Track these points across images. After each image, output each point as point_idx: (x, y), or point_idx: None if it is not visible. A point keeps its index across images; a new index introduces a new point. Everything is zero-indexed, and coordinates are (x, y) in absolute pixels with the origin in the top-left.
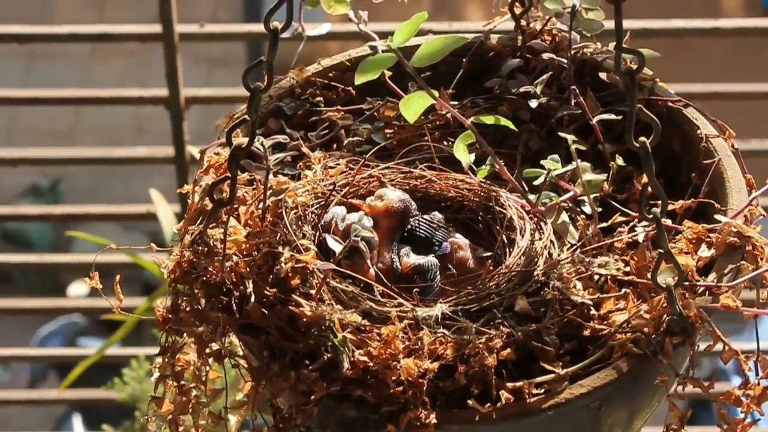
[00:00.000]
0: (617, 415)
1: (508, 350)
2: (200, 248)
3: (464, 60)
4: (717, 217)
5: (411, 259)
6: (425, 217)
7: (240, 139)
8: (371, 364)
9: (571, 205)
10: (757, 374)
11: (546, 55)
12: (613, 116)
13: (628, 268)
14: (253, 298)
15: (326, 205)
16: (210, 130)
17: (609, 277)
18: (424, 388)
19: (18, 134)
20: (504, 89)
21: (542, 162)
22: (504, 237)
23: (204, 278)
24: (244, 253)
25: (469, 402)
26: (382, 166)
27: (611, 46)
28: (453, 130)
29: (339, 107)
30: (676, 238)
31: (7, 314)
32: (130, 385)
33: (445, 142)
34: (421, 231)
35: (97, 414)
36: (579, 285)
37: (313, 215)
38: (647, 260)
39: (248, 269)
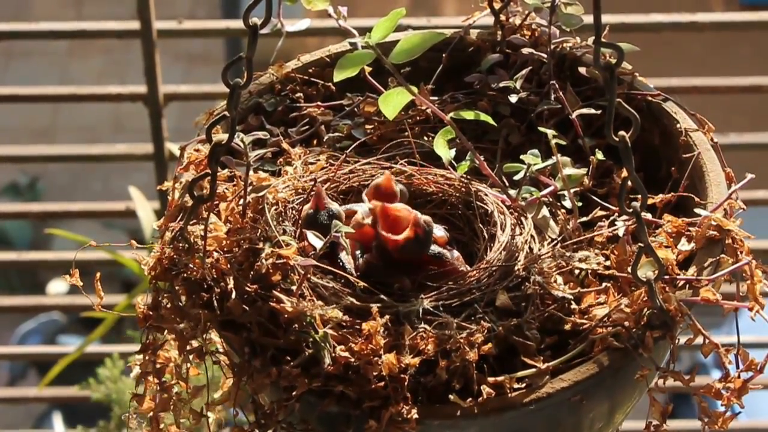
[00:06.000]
0: (598, 409)
1: (489, 345)
2: (181, 245)
3: (444, 55)
4: (697, 210)
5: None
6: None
7: (220, 136)
8: (352, 359)
9: (551, 199)
10: (737, 367)
11: (525, 50)
12: (592, 111)
13: (608, 263)
14: (233, 295)
15: (307, 201)
16: (189, 126)
17: (589, 271)
18: (406, 383)
19: None
20: (484, 84)
21: (522, 157)
22: (485, 232)
23: (185, 275)
24: (225, 249)
25: (451, 397)
26: (362, 161)
27: (590, 40)
28: (433, 125)
29: (319, 103)
30: (656, 232)
31: None
32: (104, 384)
33: (426, 138)
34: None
35: (78, 412)
36: (560, 279)
37: (294, 211)
38: (627, 254)
39: (229, 266)
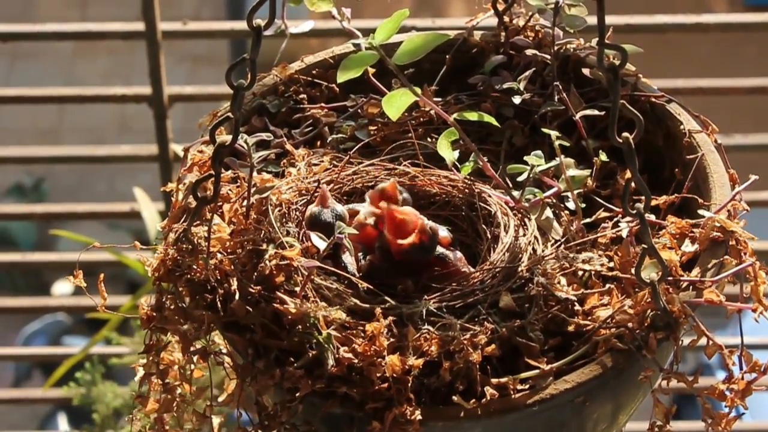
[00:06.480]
0: (602, 411)
1: (493, 346)
2: (184, 246)
3: (447, 57)
4: (700, 212)
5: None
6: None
7: (223, 137)
8: (356, 360)
9: (554, 201)
10: (741, 368)
11: (529, 52)
12: (596, 112)
13: (612, 264)
14: (237, 296)
15: (310, 202)
16: (194, 127)
17: (593, 272)
18: (409, 384)
19: (1, 133)
20: (487, 86)
21: (526, 158)
22: (488, 233)
23: (188, 276)
24: (229, 250)
25: (454, 398)
26: (366, 163)
27: (594, 42)
28: (437, 126)
29: (323, 104)
30: (659, 234)
31: None
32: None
33: (429, 139)
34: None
35: (83, 413)
36: (563, 281)
37: (297, 212)
38: (631, 255)
39: (232, 267)
